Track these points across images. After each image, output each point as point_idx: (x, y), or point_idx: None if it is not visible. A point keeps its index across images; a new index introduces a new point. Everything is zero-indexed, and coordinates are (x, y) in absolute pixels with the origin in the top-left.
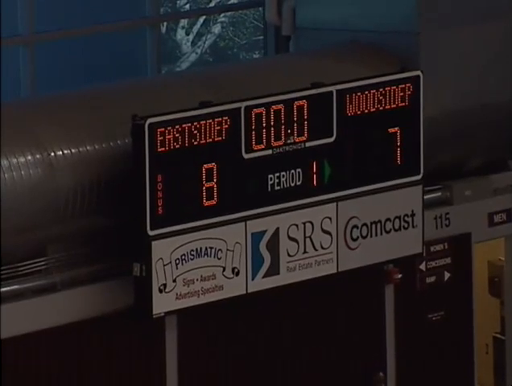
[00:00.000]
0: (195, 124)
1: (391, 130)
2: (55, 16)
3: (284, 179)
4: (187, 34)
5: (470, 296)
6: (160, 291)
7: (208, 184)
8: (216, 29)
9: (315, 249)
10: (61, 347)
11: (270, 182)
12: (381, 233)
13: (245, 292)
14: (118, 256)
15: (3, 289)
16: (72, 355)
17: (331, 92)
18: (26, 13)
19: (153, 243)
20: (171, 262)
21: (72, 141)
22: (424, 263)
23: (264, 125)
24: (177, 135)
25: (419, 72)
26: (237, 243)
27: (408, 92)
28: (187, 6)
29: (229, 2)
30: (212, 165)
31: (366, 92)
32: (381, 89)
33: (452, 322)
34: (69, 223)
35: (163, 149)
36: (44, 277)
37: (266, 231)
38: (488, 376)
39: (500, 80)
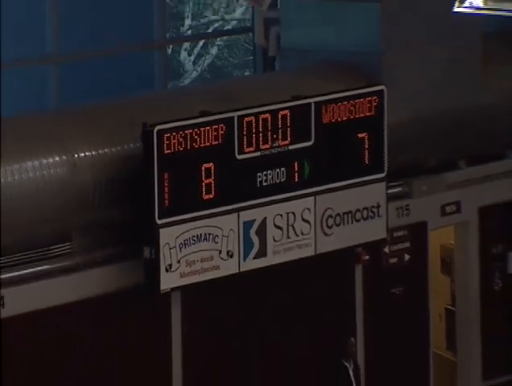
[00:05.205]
0: (195, 130)
1: (360, 135)
2: (80, 37)
3: (271, 177)
4: (189, 55)
5: (426, 274)
6: (167, 270)
7: (207, 181)
8: (214, 51)
9: (297, 235)
10: (82, 319)
11: (258, 179)
12: (352, 222)
13: (238, 271)
14: (131, 242)
15: (37, 269)
16: (95, 324)
17: (309, 104)
18: (53, 36)
19: (161, 230)
20: (175, 246)
21: (92, 145)
22: (388, 246)
23: (254, 131)
24: (181, 139)
25: (383, 87)
26: (231, 230)
27: (374, 104)
28: (189, 32)
29: (225, 28)
30: (210, 164)
31: (339, 104)
32: (351, 101)
33: (411, 296)
34: (89, 214)
35: (169, 151)
36: (69, 259)
37: (255, 220)
38: (441, 341)
39: (452, 93)
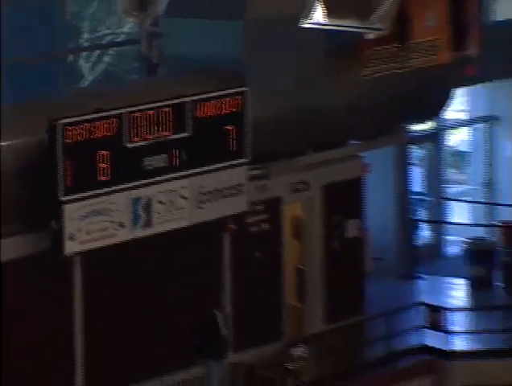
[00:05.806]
0: (92, 123)
1: (227, 127)
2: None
3: (155, 161)
4: (87, 62)
5: (280, 240)
6: (70, 239)
7: (103, 165)
8: (107, 58)
9: (176, 209)
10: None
11: (145, 164)
12: (221, 197)
13: (128, 238)
14: (42, 216)
15: None
16: (12, 284)
17: (186, 102)
18: None
19: (64, 205)
20: (77, 218)
21: (8, 136)
22: (250, 218)
23: (141, 124)
24: (80, 131)
25: (246, 88)
26: (123, 205)
27: (239, 102)
28: (87, 43)
29: (116, 40)
30: (105, 152)
31: (210, 102)
32: (220, 99)
33: (269, 258)
34: (8, 194)
35: (70, 141)
36: None
37: (142, 197)
38: (292, 295)
39: (302, 94)
